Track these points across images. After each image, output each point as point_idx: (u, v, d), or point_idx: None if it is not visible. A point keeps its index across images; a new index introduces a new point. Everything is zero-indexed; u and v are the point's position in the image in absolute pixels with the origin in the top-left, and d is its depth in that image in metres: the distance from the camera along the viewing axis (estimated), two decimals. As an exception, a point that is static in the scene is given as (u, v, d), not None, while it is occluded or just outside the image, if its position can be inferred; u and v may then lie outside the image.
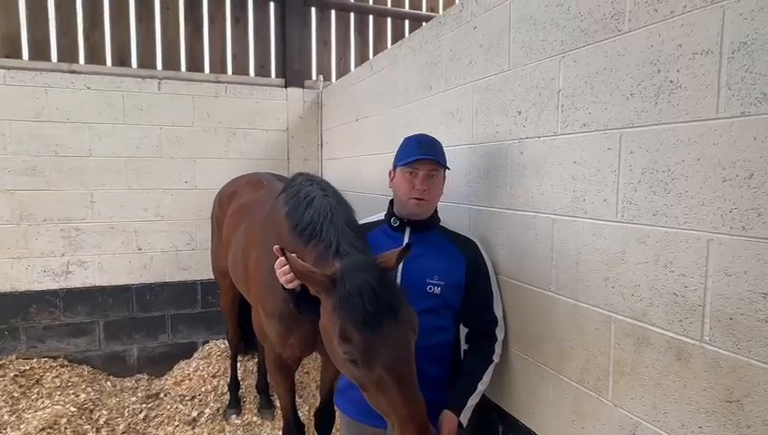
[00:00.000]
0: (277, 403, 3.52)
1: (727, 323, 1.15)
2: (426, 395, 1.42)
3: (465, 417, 1.71)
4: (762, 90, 1.07)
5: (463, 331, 1.92)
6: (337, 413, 1.99)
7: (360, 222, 1.94)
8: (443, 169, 1.82)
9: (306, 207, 1.80)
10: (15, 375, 3.58)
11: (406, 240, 1.80)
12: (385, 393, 1.36)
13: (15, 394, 3.45)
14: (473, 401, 1.73)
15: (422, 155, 1.73)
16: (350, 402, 1.83)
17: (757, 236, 1.08)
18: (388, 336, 1.35)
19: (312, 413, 3.36)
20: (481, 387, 1.76)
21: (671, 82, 1.26)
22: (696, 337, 1.22)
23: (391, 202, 1.89)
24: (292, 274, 1.52)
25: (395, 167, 1.83)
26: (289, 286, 1.60)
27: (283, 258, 1.53)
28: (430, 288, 1.74)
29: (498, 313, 1.84)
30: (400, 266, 1.74)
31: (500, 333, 1.84)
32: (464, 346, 1.90)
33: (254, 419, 3.49)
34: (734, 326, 1.13)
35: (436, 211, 1.87)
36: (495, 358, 1.82)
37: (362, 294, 1.36)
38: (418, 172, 1.75)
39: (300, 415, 2.57)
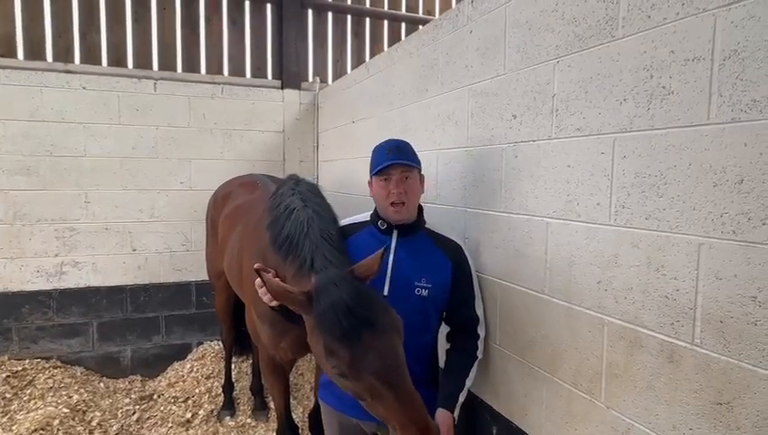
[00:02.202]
0: (271, 405, 3.52)
1: (717, 325, 1.16)
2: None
3: (456, 413, 1.79)
4: (752, 96, 1.08)
5: (443, 330, 1.97)
6: (321, 406, 2.00)
7: (346, 221, 1.99)
8: (416, 170, 1.84)
9: (285, 220, 1.83)
10: (7, 376, 3.56)
11: (393, 243, 1.83)
12: (381, 401, 1.37)
13: (7, 395, 3.43)
14: (462, 397, 1.81)
15: (391, 160, 1.75)
16: (333, 394, 1.86)
17: (747, 240, 1.10)
18: (372, 347, 1.37)
19: (307, 415, 3.36)
20: (468, 383, 1.84)
21: (664, 87, 1.28)
22: (687, 340, 1.23)
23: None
24: (270, 295, 1.55)
25: (371, 176, 1.85)
26: (272, 305, 1.63)
27: (260, 280, 1.55)
28: (418, 291, 1.78)
29: (479, 311, 1.91)
30: (389, 271, 1.78)
31: (481, 331, 1.91)
32: (446, 345, 1.95)
33: (249, 420, 3.49)
34: (725, 329, 1.15)
35: (421, 214, 1.90)
36: (479, 354, 1.90)
37: (336, 310, 1.39)
38: (392, 177, 1.77)
39: (294, 417, 2.57)
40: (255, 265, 1.55)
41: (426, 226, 1.91)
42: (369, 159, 1.88)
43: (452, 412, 1.75)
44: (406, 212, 1.80)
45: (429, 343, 1.90)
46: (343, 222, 1.99)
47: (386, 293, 1.78)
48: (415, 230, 1.86)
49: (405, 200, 1.77)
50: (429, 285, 1.79)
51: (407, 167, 1.78)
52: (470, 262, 1.90)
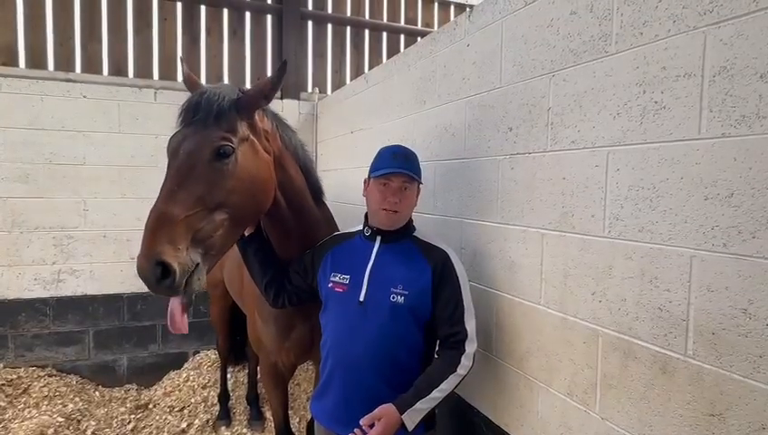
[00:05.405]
0: (267, 415, 3.51)
1: (710, 337, 1.18)
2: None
3: (410, 419, 1.57)
4: (741, 112, 1.11)
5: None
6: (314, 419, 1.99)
7: (343, 232, 2.02)
8: (416, 183, 1.81)
9: None
10: (2, 384, 3.54)
11: (375, 249, 1.80)
12: None
13: (2, 404, 3.40)
14: (423, 405, 1.59)
15: (395, 168, 1.73)
16: (322, 410, 1.83)
17: (737, 253, 1.11)
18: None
19: (303, 426, 3.35)
20: (437, 394, 1.61)
21: (656, 102, 1.30)
22: (680, 351, 1.25)
23: (366, 214, 1.90)
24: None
25: (369, 176, 1.84)
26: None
27: None
28: (393, 297, 1.71)
29: (469, 326, 1.70)
30: (366, 277, 1.75)
31: (469, 346, 1.69)
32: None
33: (245, 430, 3.47)
34: (717, 341, 1.16)
35: (410, 221, 1.86)
36: (461, 370, 1.66)
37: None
38: (391, 184, 1.75)
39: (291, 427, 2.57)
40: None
41: (414, 234, 1.85)
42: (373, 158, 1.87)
43: (401, 413, 1.56)
44: (397, 220, 1.79)
45: (411, 358, 1.74)
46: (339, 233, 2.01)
47: (362, 298, 1.73)
48: (399, 237, 1.82)
49: (398, 209, 1.76)
50: (406, 292, 1.70)
51: (408, 178, 1.76)
52: (458, 271, 1.75)
